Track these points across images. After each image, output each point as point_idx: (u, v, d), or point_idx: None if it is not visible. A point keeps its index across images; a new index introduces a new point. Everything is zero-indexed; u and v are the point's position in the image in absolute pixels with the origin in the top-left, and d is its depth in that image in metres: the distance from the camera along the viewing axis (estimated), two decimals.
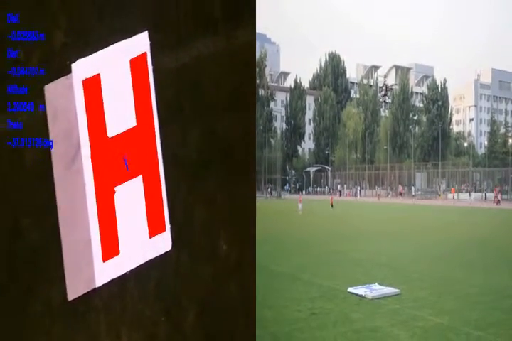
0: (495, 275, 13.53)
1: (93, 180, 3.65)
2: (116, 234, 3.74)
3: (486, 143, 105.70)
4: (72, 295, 3.62)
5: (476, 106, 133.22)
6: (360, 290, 11.35)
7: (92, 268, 3.67)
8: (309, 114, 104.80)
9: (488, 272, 14.08)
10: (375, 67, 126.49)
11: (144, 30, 3.74)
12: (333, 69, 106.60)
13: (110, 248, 3.71)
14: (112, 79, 3.69)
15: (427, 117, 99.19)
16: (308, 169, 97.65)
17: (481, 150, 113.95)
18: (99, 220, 3.66)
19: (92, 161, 3.64)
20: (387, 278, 12.78)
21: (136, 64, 3.75)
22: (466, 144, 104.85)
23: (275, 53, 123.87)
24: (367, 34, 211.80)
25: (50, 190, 3.57)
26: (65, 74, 3.61)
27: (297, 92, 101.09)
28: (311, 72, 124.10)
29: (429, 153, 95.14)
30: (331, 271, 13.96)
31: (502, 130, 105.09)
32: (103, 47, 3.68)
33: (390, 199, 74.43)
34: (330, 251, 18.10)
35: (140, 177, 3.80)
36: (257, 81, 74.29)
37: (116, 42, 3.70)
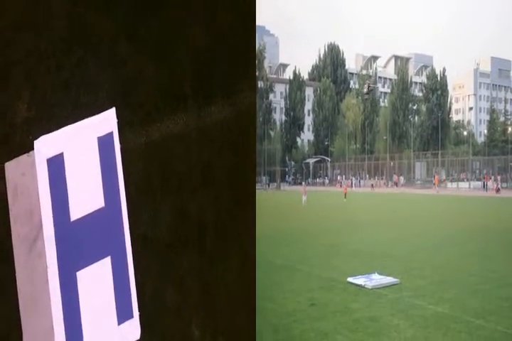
0: (494, 264, 13.54)
1: (56, 264, 3.42)
2: (80, 322, 3.49)
3: (485, 131, 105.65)
4: None
5: (475, 94, 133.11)
6: (360, 280, 11.35)
7: None
8: (308, 106, 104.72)
9: (488, 260, 14.09)
10: (375, 58, 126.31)
11: (111, 107, 3.56)
12: (332, 60, 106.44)
13: (73, 337, 3.46)
14: (78, 158, 3.51)
15: (427, 107, 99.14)
16: (307, 160, 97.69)
17: (480, 139, 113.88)
18: (62, 307, 3.44)
19: (55, 244, 3.42)
20: (387, 267, 12.78)
21: (104, 142, 3.56)
22: (465, 133, 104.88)
23: (274, 45, 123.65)
24: (366, 24, 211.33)
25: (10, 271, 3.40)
26: (27, 152, 3.39)
27: (296, 84, 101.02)
28: (310, 63, 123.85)
29: (428, 143, 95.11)
30: (330, 262, 13.98)
31: (501, 118, 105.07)
32: (69, 124, 3.48)
33: (389, 188, 74.44)
34: (331, 243, 18.12)
35: (108, 259, 3.60)
36: (256, 73, 74.00)
37: (82, 118, 3.51)
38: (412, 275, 12.01)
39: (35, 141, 3.42)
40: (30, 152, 3.40)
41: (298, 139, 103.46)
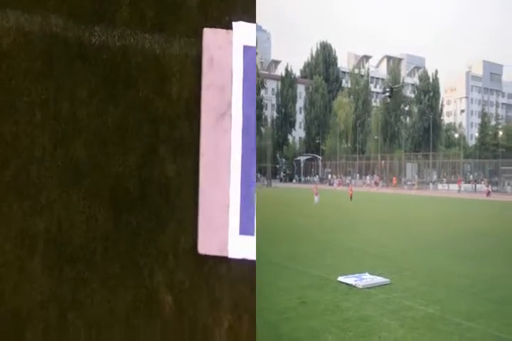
0: (485, 266, 13.54)
1: (240, 143, 3.57)
2: (254, 213, 3.63)
3: (476, 134, 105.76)
4: (202, 249, 3.58)
5: (467, 97, 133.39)
6: (350, 280, 11.33)
7: (226, 233, 3.59)
8: (300, 103, 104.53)
9: (479, 262, 14.10)
10: (367, 57, 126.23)
11: None
12: (325, 58, 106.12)
13: (247, 224, 3.61)
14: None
15: (418, 108, 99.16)
16: (298, 158, 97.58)
17: (471, 142, 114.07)
18: (240, 186, 3.58)
19: (242, 124, 3.60)
20: (378, 267, 12.77)
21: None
22: (456, 135, 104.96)
23: (266, 41, 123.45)
24: (358, 23, 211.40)
25: (196, 133, 3.58)
26: (226, 28, 3.58)
27: (288, 81, 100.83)
28: (302, 60, 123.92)
29: (419, 144, 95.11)
30: (322, 261, 13.95)
31: (493, 122, 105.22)
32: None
33: (380, 189, 74.49)
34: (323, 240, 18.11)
35: None
36: None
37: None
38: (403, 276, 12.01)
39: (234, 23, 3.60)
40: (229, 30, 3.58)
41: (289, 136, 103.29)
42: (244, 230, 3.61)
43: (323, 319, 8.55)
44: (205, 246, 3.57)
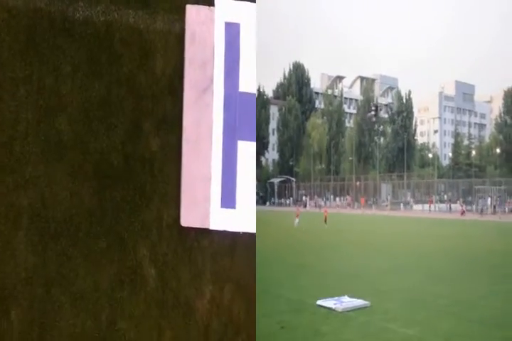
0: (462, 286, 13.57)
1: (222, 118, 3.66)
2: (235, 187, 3.68)
3: (450, 154, 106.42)
4: (185, 222, 3.63)
5: (440, 117, 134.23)
6: (330, 303, 11.30)
7: (208, 206, 3.64)
8: (273, 124, 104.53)
9: (456, 283, 14.13)
10: (340, 78, 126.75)
11: None
12: (298, 79, 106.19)
13: (228, 197, 3.68)
14: (251, 36, 3.74)
15: (392, 128, 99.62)
16: (272, 180, 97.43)
17: (445, 162, 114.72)
18: (222, 159, 3.64)
19: (223, 99, 3.66)
20: (356, 290, 12.74)
21: None
22: (430, 155, 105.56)
23: None
24: (332, 44, 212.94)
25: (179, 108, 3.65)
26: (208, 5, 3.66)
27: (261, 101, 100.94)
28: (274, 81, 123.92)
29: (394, 164, 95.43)
30: (300, 284, 13.91)
31: (466, 142, 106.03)
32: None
33: (353, 210, 74.66)
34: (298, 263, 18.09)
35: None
36: None
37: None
38: (382, 298, 11.98)
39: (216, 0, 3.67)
40: (212, 7, 3.65)
41: (262, 158, 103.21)
42: (226, 203, 3.68)
43: None
44: (188, 219, 3.63)
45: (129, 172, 3.57)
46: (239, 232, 3.71)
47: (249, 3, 3.71)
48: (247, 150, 3.68)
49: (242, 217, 3.69)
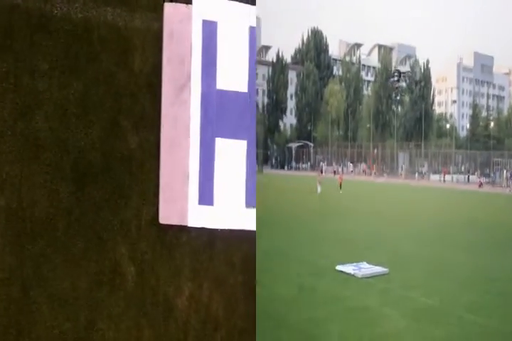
0: (484, 257, 13.50)
1: (199, 116, 3.67)
2: (213, 185, 3.69)
3: (467, 125, 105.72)
4: (163, 220, 3.64)
5: (458, 88, 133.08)
6: (349, 268, 11.29)
7: (186, 203, 3.66)
8: (291, 89, 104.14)
9: (478, 254, 14.06)
10: (358, 45, 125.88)
11: None
12: (316, 45, 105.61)
13: (206, 195, 3.69)
14: (230, 35, 3.75)
15: (410, 97, 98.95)
16: (290, 145, 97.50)
17: (462, 133, 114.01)
18: (200, 157, 3.65)
19: (201, 97, 3.67)
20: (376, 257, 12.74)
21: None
22: (448, 126, 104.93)
23: (256, 26, 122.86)
24: (350, 11, 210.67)
25: (158, 105, 3.67)
26: (186, 3, 3.67)
27: (279, 66, 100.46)
28: (293, 46, 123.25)
29: (411, 134, 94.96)
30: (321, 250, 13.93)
31: (484, 113, 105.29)
32: None
33: (369, 177, 74.61)
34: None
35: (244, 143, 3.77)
36: None
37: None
38: (401, 266, 11.95)
39: None
40: (189, 5, 3.66)
41: (280, 123, 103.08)
42: (203, 200, 3.69)
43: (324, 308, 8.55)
44: (166, 217, 3.65)
45: (107, 170, 3.56)
46: (217, 229, 3.71)
47: (227, 1, 3.71)
48: (226, 147, 3.68)
49: (220, 214, 3.69)
